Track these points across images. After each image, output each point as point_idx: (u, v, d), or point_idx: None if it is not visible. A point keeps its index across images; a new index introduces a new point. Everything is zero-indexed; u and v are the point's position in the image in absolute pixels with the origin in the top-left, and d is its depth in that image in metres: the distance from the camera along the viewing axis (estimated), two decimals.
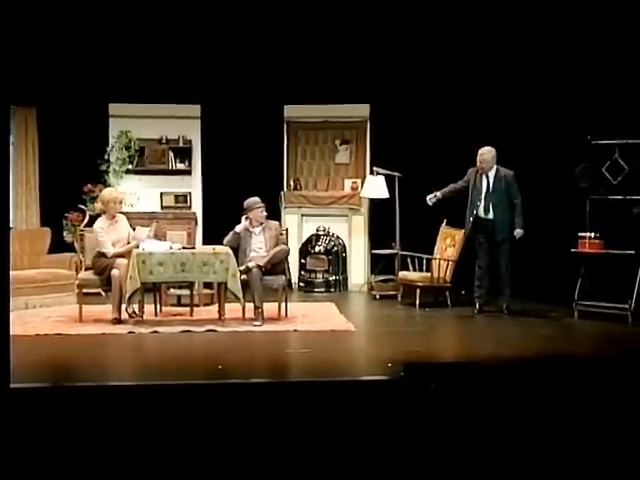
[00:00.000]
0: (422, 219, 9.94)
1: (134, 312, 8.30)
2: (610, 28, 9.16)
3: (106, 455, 4.22)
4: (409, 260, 9.89)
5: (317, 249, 11.22)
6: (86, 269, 8.73)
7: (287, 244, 9.03)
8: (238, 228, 8.65)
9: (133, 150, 11.28)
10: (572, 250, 8.75)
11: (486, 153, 9.07)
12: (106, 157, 11.16)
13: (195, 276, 8.28)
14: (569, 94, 9.95)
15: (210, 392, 5.20)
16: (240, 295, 8.14)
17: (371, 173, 10.71)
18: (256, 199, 8.76)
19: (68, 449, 4.22)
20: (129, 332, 7.86)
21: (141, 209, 11.23)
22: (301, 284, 11.22)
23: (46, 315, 8.76)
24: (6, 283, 4.28)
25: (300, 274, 11.23)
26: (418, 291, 9.49)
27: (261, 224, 8.74)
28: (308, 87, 10.70)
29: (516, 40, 9.76)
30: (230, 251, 8.30)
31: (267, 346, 7.50)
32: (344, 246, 11.32)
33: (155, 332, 7.86)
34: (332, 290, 11.09)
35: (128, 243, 8.55)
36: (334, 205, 11.42)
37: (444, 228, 9.75)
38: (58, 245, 10.28)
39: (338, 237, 11.31)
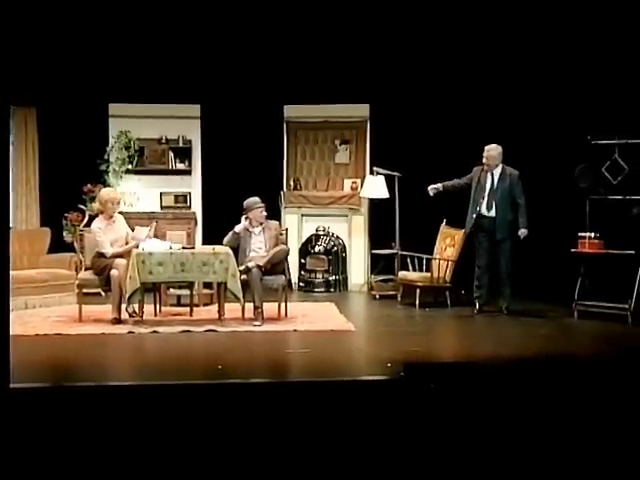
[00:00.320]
0: (422, 219, 9.96)
1: (134, 311, 8.30)
2: (610, 28, 9.16)
3: (106, 455, 4.22)
4: (409, 260, 9.89)
5: (317, 249, 11.22)
6: (86, 269, 8.73)
7: (287, 244, 9.03)
8: (238, 228, 8.65)
9: (133, 150, 11.28)
10: (572, 250, 8.76)
11: (492, 150, 9.08)
12: (106, 157, 11.16)
13: (195, 276, 8.28)
14: (569, 94, 9.95)
15: (210, 392, 5.20)
16: (240, 295, 8.13)
17: (371, 173, 10.71)
18: (256, 199, 8.76)
19: (68, 449, 4.22)
20: (129, 332, 7.86)
21: (141, 209, 11.24)
22: (301, 284, 11.22)
23: (46, 315, 8.76)
24: (6, 283, 4.27)
25: (300, 274, 11.23)
26: (418, 291, 9.49)
27: (261, 224, 8.74)
28: (308, 87, 10.70)
29: (516, 40, 9.77)
30: (230, 251, 8.30)
31: (267, 346, 7.50)
32: (344, 246, 11.32)
33: (155, 332, 7.86)
34: (332, 290, 11.09)
35: (126, 243, 8.55)
36: (334, 205, 11.42)
37: (444, 228, 9.75)
38: (58, 245, 10.28)
39: (338, 237, 11.31)
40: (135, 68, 10.52)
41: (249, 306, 8.34)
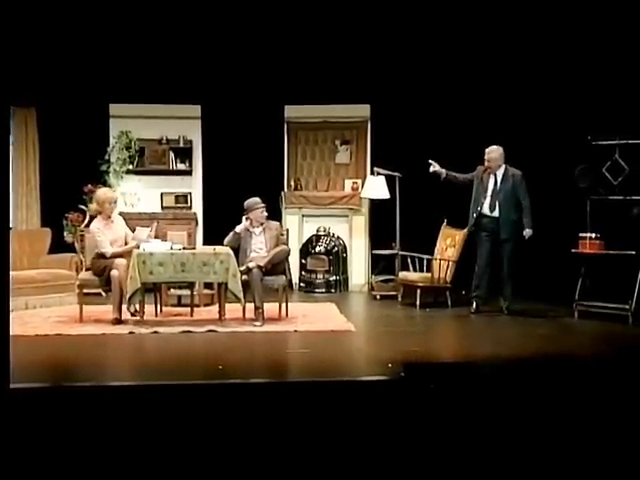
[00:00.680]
0: (422, 219, 9.96)
1: (136, 310, 8.30)
2: (610, 28, 9.16)
3: (106, 455, 4.22)
4: (409, 260, 9.88)
5: (317, 249, 11.22)
6: (86, 269, 8.73)
7: (287, 244, 9.02)
8: (238, 228, 8.65)
9: (133, 150, 11.28)
10: (572, 250, 8.76)
11: (493, 151, 9.08)
12: (106, 157, 11.16)
13: (195, 276, 8.28)
14: (570, 95, 9.95)
15: (210, 392, 5.21)
16: (240, 295, 8.13)
17: (371, 173, 10.72)
18: (256, 199, 8.75)
19: (68, 449, 4.22)
20: (129, 332, 7.86)
21: (141, 209, 11.25)
22: (301, 284, 11.22)
23: (46, 315, 8.75)
24: (6, 283, 4.27)
25: (300, 274, 11.23)
26: (418, 291, 9.49)
27: (261, 224, 8.73)
28: (308, 87, 10.70)
29: (516, 41, 9.77)
30: (230, 251, 8.30)
31: (267, 346, 7.49)
32: (344, 246, 11.33)
33: (155, 332, 7.86)
34: (332, 290, 11.09)
35: (126, 243, 8.56)
36: (334, 205, 11.43)
37: (444, 228, 9.74)
38: (58, 245, 10.28)
39: (338, 237, 11.32)
40: (136, 68, 10.53)
41: (250, 306, 8.34)
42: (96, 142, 11.04)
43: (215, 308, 8.62)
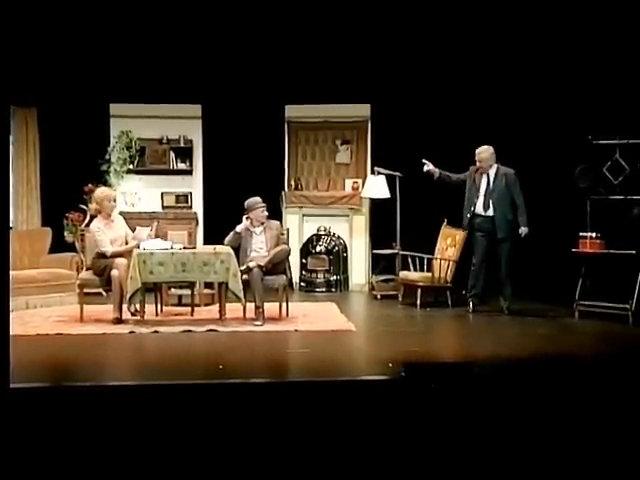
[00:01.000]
0: (423, 219, 9.96)
1: (136, 310, 8.29)
2: (610, 28, 9.15)
3: (106, 455, 4.22)
4: (410, 260, 9.88)
5: (318, 249, 11.22)
6: (87, 269, 8.73)
7: (288, 244, 9.02)
8: (239, 228, 8.65)
9: (134, 150, 11.29)
10: (573, 250, 8.76)
11: (484, 152, 9.09)
12: (107, 157, 11.17)
13: (196, 276, 8.28)
14: (570, 94, 9.94)
15: (210, 392, 5.20)
16: (241, 295, 8.14)
17: (372, 173, 10.72)
18: (257, 199, 8.75)
19: (68, 449, 4.23)
20: (130, 332, 7.86)
21: (142, 209, 11.26)
22: (302, 284, 11.22)
23: (47, 315, 8.76)
24: (6, 283, 4.27)
25: (301, 274, 11.23)
26: (419, 291, 9.49)
27: (262, 224, 8.73)
28: (308, 87, 10.70)
29: (517, 40, 9.76)
30: (231, 251, 8.30)
31: (268, 346, 7.49)
32: (345, 246, 11.32)
33: (156, 332, 7.86)
34: (333, 290, 11.10)
35: (126, 243, 8.56)
36: (335, 205, 11.42)
37: (445, 228, 9.74)
38: (59, 245, 10.28)
39: (339, 237, 11.32)
40: (136, 68, 10.52)
41: (250, 306, 8.34)
42: (96, 142, 11.05)
43: (215, 308, 8.62)
